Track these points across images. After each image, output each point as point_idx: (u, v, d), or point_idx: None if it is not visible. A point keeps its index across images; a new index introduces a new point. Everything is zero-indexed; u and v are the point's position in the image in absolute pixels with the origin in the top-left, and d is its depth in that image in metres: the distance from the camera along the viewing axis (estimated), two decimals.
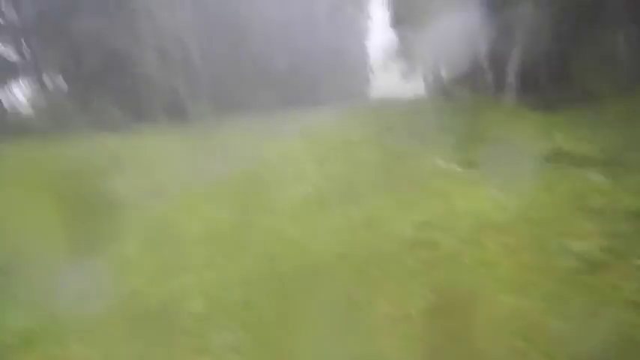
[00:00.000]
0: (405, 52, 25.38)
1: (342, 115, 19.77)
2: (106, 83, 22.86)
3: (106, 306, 5.04)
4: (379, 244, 5.96)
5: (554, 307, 4.14)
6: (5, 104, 21.53)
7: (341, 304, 4.65)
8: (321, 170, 10.27)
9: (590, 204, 6.33)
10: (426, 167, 9.48)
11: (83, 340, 4.47)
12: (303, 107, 29.26)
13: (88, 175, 11.37)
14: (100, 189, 10.21)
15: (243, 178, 10.66)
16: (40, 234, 6.47)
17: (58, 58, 23.13)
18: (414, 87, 25.80)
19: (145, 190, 10.30)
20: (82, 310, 4.92)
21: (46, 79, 23.78)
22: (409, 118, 14.80)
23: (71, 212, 7.98)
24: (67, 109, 21.12)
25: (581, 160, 8.56)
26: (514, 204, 6.71)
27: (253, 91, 32.75)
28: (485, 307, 4.27)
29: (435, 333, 4.09)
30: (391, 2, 23.74)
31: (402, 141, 11.79)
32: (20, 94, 23.11)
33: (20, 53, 23.21)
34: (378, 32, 37.22)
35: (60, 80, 24.67)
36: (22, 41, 23.14)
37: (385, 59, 29.01)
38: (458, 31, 15.28)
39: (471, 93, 18.39)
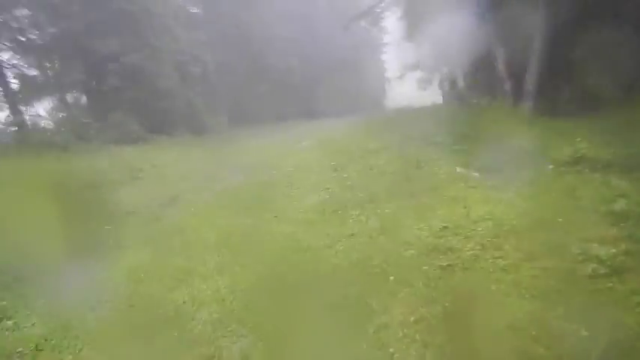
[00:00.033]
0: (420, 61, 25.30)
1: (359, 125, 19.67)
2: (125, 98, 23.18)
3: (118, 313, 5.03)
4: (396, 250, 5.86)
5: (575, 313, 4.00)
6: (27, 120, 21.89)
7: (356, 310, 4.56)
8: (337, 178, 10.19)
9: (612, 209, 6.15)
10: (443, 174, 9.34)
11: (95, 347, 4.44)
12: (319, 119, 29.29)
13: (105, 185, 11.49)
14: (116, 199, 10.31)
15: (259, 186, 10.66)
16: (57, 242, 6.47)
17: (79, 75, 23.53)
18: (430, 96, 25.66)
19: (161, 200, 10.36)
20: (94, 317, 4.92)
21: (67, 95, 24.22)
22: (426, 126, 14.64)
23: (88, 221, 8.04)
24: (87, 124, 21.43)
25: (603, 165, 8.37)
26: (533, 209, 6.57)
27: (270, 103, 32.95)
28: (504, 314, 4.14)
29: (452, 339, 3.98)
30: (406, 14, 23.67)
31: (420, 148, 11.65)
32: (42, 109, 23.54)
33: (43, 71, 23.66)
34: (394, 43, 37.28)
35: (80, 95, 25.12)
36: (45, 59, 23.59)
37: (401, 69, 28.94)
38: (472, 39, 15.20)
39: (488, 100, 18.23)
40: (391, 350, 3.92)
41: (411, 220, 6.84)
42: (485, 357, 3.85)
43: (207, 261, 6.34)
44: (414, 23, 22.74)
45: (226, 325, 4.57)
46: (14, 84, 22.31)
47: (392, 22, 28.38)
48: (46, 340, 4.59)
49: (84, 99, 25.10)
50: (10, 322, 5.04)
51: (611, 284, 4.40)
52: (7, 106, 21.42)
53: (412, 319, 4.23)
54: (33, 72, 23.38)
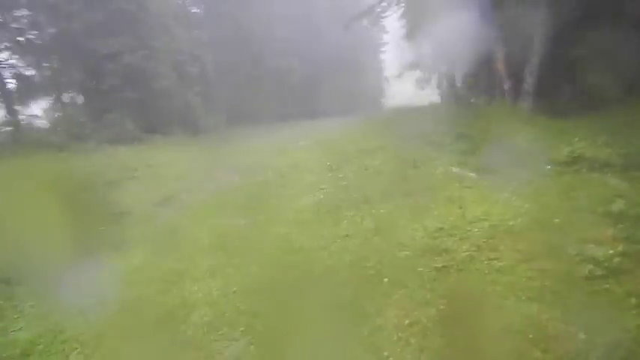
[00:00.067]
0: (419, 60, 25.21)
1: (356, 125, 19.60)
2: (122, 97, 23.06)
3: (109, 316, 4.95)
4: (390, 252, 5.79)
5: (572, 315, 3.93)
6: (22, 119, 21.80)
7: (350, 312, 4.49)
8: (332, 178, 10.10)
9: (609, 209, 6.08)
10: (439, 174, 9.27)
11: (84, 352, 4.36)
12: (317, 119, 29.22)
13: (100, 185, 11.40)
14: (112, 199, 10.21)
15: (254, 187, 10.58)
16: (48, 243, 6.37)
17: (76, 75, 23.40)
18: (429, 95, 25.59)
19: (157, 200, 10.27)
20: (84, 321, 4.83)
21: (63, 94, 24.11)
22: (424, 126, 14.55)
23: (82, 222, 7.94)
24: (83, 123, 21.32)
25: (601, 165, 8.31)
26: (530, 209, 6.50)
27: (267, 103, 32.85)
28: (500, 316, 4.08)
29: (447, 343, 3.90)
30: (405, 13, 23.58)
31: (416, 148, 11.56)
32: (38, 109, 23.45)
33: (40, 71, 23.56)
34: (393, 43, 37.21)
35: (77, 95, 24.99)
36: (43, 59, 23.49)
37: (400, 69, 28.86)
38: (472, 39, 15.13)
39: (487, 99, 18.17)
40: (386, 354, 3.86)
41: (406, 221, 6.78)
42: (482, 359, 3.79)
43: (199, 263, 6.27)
44: (413, 22, 22.66)
45: (218, 328, 4.49)
46: (11, 84, 22.26)
47: (391, 22, 28.29)
48: (33, 344, 4.51)
49: (80, 99, 24.94)
50: None
51: (607, 286, 4.35)
52: (3, 105, 21.33)
53: (407, 322, 4.16)
54: (30, 72, 23.32)
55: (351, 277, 5.31)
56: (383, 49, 44.87)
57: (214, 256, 6.45)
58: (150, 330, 4.64)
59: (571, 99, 13.58)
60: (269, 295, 5.16)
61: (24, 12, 22.51)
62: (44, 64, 23.58)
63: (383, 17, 26.41)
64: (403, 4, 23.28)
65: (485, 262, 5.12)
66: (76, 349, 4.41)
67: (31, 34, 22.79)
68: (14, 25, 22.18)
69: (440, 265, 5.20)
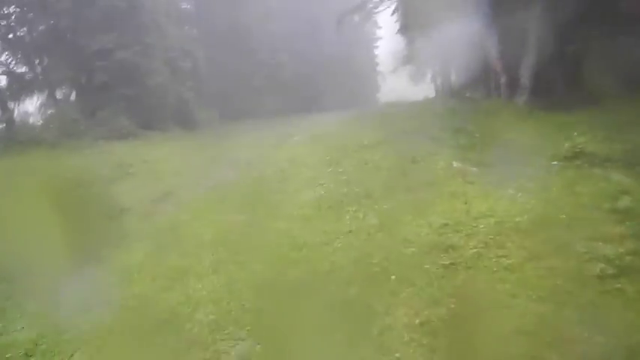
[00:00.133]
0: (413, 56, 25.14)
1: (352, 120, 19.52)
2: (115, 94, 22.90)
3: (111, 315, 4.86)
4: (396, 248, 5.72)
5: (586, 316, 3.86)
6: (16, 116, 21.65)
7: (358, 311, 4.42)
8: (333, 173, 10.01)
9: (616, 206, 6.03)
10: (440, 169, 9.18)
11: (87, 352, 4.28)
12: (312, 114, 29.10)
13: (96, 182, 11.26)
14: (108, 196, 10.10)
15: (253, 182, 10.50)
16: (47, 242, 6.25)
17: (68, 72, 23.21)
18: (423, 90, 25.57)
19: (155, 196, 10.17)
20: (87, 319, 4.74)
21: (56, 91, 23.94)
22: (421, 121, 14.53)
23: (79, 219, 7.83)
24: (76, 120, 21.15)
25: (602, 161, 8.27)
26: (535, 205, 6.43)
27: (261, 98, 32.69)
28: (512, 316, 4.00)
29: (459, 343, 3.84)
30: (399, 7, 23.49)
31: (415, 143, 11.48)
32: (31, 106, 23.30)
33: (32, 68, 23.37)
34: (387, 37, 37.14)
35: (70, 92, 24.82)
36: (34, 56, 23.30)
37: (394, 64, 28.77)
38: (467, 34, 15.07)
39: (482, 94, 18.16)
40: (397, 355, 3.78)
41: (410, 217, 6.69)
42: None
43: (202, 259, 6.18)
44: (407, 17, 22.59)
45: (224, 327, 4.41)
46: (2, 81, 22.13)
47: (385, 17, 28.19)
48: (36, 344, 4.42)
49: (73, 95, 24.79)
50: None
51: (619, 285, 4.27)
52: None
53: (417, 321, 4.08)
54: (22, 69, 23.16)
55: (357, 274, 5.23)
56: (377, 44, 44.75)
57: (217, 252, 6.38)
58: (154, 328, 4.55)
59: (568, 93, 13.58)
60: (274, 293, 5.09)
61: (13, 9, 22.33)
62: (35, 61, 23.39)
63: (376, 12, 26.36)
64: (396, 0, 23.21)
65: (494, 260, 5.04)
66: (79, 349, 4.32)
67: (21, 32, 22.63)
68: (3, 22, 21.99)
69: (447, 263, 5.13)
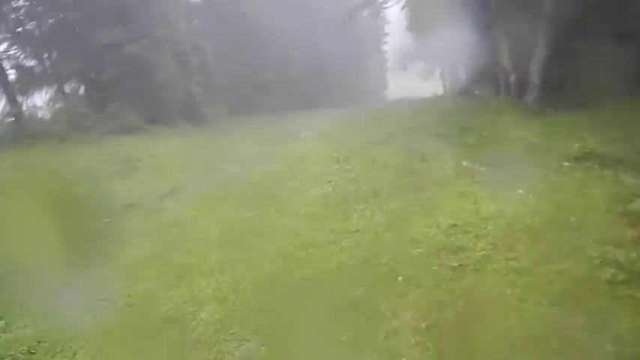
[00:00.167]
0: (422, 52, 25.04)
1: (360, 117, 19.46)
2: (123, 88, 22.98)
3: (116, 313, 4.83)
4: (403, 248, 5.65)
5: (598, 323, 3.79)
6: (24, 110, 21.72)
7: (365, 313, 4.35)
8: (340, 171, 9.95)
9: (628, 209, 5.95)
10: (449, 168, 9.11)
11: (90, 350, 4.25)
12: (320, 110, 29.01)
13: (103, 176, 11.27)
14: (115, 190, 10.10)
15: (260, 178, 10.44)
16: (52, 236, 6.23)
17: (77, 66, 23.27)
18: (431, 87, 25.46)
19: (162, 191, 10.15)
20: (90, 318, 4.71)
21: (65, 85, 24.03)
22: (429, 118, 14.45)
23: (86, 214, 7.83)
24: (85, 114, 21.23)
25: (613, 162, 8.16)
26: (545, 207, 6.36)
27: (269, 94, 32.68)
28: (522, 321, 3.92)
29: (467, 348, 3.78)
30: (408, 4, 23.37)
31: (423, 141, 11.41)
32: (39, 100, 23.40)
33: (40, 62, 23.44)
34: (396, 34, 36.96)
35: (78, 86, 24.91)
36: (43, 50, 23.36)
37: (403, 61, 28.65)
38: (477, 31, 14.97)
39: (491, 92, 18.05)
40: (401, 356, 3.72)
41: (418, 217, 6.63)
42: None
43: (208, 256, 6.14)
44: (416, 13, 22.47)
45: (229, 327, 4.37)
46: (11, 74, 22.20)
47: (394, 12, 28.05)
48: (39, 342, 4.39)
49: (82, 89, 24.88)
50: (1, 323, 4.83)
51: (631, 292, 4.18)
52: (4, 96, 21.23)
53: (424, 325, 4.02)
54: (30, 62, 23.24)
55: (364, 274, 5.17)
56: (385, 40, 44.58)
57: (223, 249, 6.32)
58: (158, 327, 4.51)
59: (577, 92, 13.46)
60: (280, 293, 5.05)
61: (23, 2, 22.40)
62: (44, 55, 23.47)
63: (385, 7, 26.22)
64: None
65: (503, 262, 4.96)
66: (83, 347, 4.29)
67: (30, 25, 22.70)
68: (13, 16, 22.08)
69: (456, 264, 5.05)
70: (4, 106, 21.20)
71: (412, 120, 14.93)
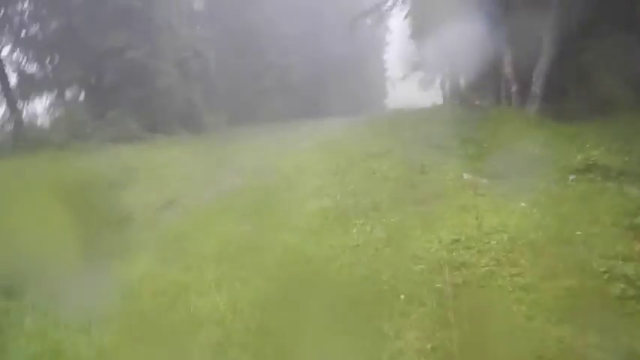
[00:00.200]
0: (423, 61, 24.97)
1: (360, 127, 19.35)
2: (124, 95, 22.91)
3: (114, 332, 4.68)
4: (405, 265, 5.53)
5: (610, 342, 3.66)
6: (24, 117, 21.67)
7: (368, 333, 4.22)
8: (340, 183, 9.85)
9: (633, 222, 5.84)
10: (450, 180, 9.02)
11: None
12: (320, 118, 28.92)
13: (100, 187, 11.13)
14: (113, 201, 9.95)
15: (259, 191, 10.32)
16: (48, 248, 6.09)
17: (77, 72, 23.22)
18: (431, 97, 25.37)
19: (160, 203, 10.04)
20: (87, 337, 4.57)
21: (65, 91, 23.99)
22: (429, 129, 14.34)
23: (82, 226, 7.68)
24: (84, 122, 21.16)
25: (616, 174, 8.07)
26: (549, 221, 6.25)
27: (269, 101, 32.63)
28: (531, 340, 3.79)
29: None
30: (409, 13, 23.36)
31: (423, 152, 11.32)
32: (39, 106, 23.36)
33: (42, 67, 23.42)
34: (397, 43, 36.97)
35: (79, 92, 24.87)
36: (44, 55, 23.33)
37: (404, 70, 28.61)
38: (478, 40, 14.89)
39: (492, 102, 17.96)
40: None
41: (419, 231, 6.51)
42: None
43: (205, 274, 5.98)
44: (419, 22, 22.44)
45: (227, 350, 4.22)
46: (12, 80, 22.18)
47: (395, 21, 28.08)
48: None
49: (82, 96, 24.83)
50: None
51: None
52: (4, 101, 21.20)
53: (429, 346, 3.89)
54: (31, 68, 23.23)
55: (365, 292, 5.05)
56: (386, 48, 44.57)
57: (220, 266, 6.16)
58: (155, 350, 4.36)
59: (580, 103, 13.37)
60: (279, 312, 4.90)
61: (26, 6, 22.40)
62: (46, 60, 23.45)
63: (388, 17, 26.22)
64: (409, 4, 23.05)
65: (508, 279, 4.84)
66: None
67: (34, 28, 22.69)
68: (16, 20, 22.07)
69: (459, 281, 4.92)
70: (4, 112, 21.15)
71: (412, 130, 14.80)
